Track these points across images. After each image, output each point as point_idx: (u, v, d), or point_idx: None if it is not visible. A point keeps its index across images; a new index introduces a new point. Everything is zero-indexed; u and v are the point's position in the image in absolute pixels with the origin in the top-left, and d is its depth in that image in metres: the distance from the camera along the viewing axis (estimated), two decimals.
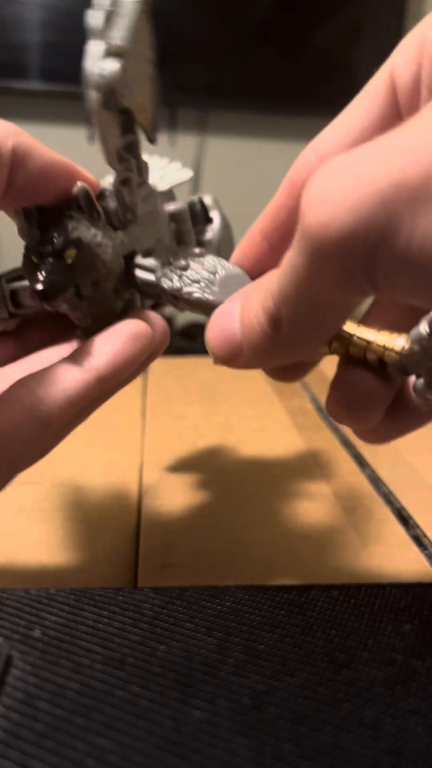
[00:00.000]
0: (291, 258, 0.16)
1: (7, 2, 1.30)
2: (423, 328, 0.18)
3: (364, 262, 0.14)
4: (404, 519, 0.33)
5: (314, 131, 0.22)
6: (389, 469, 0.39)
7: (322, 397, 0.52)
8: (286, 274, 0.16)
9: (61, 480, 0.37)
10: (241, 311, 0.19)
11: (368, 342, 0.19)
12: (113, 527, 0.32)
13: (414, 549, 0.31)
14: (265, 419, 0.48)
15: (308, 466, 0.39)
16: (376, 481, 0.38)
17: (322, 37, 1.54)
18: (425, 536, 0.32)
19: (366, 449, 0.42)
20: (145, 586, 0.27)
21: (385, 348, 0.19)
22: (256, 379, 0.58)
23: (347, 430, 0.45)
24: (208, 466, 0.39)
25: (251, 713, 0.21)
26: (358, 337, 0.20)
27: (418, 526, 0.33)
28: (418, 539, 0.31)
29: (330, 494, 0.36)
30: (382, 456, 0.41)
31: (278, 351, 0.18)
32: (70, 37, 1.41)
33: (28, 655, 0.23)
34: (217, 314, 0.20)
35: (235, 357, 0.19)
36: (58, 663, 0.22)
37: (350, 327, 0.20)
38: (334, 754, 0.19)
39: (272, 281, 0.17)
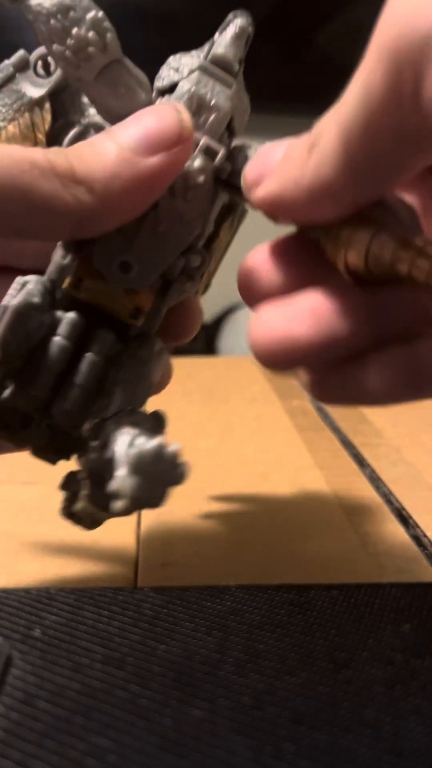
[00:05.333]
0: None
1: None
2: None
3: None
4: (404, 519, 0.33)
5: None
6: (389, 469, 0.39)
7: None
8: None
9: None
10: (289, 143, 0.19)
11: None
12: (113, 527, 0.32)
13: (414, 549, 0.31)
14: (265, 419, 0.48)
15: (308, 466, 0.39)
16: (376, 481, 0.38)
17: (322, 37, 1.54)
18: (425, 536, 0.32)
19: (366, 449, 0.42)
20: (145, 585, 0.27)
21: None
22: (256, 379, 0.58)
23: (347, 430, 0.45)
24: (208, 466, 0.39)
25: (251, 712, 0.21)
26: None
27: (418, 526, 0.33)
28: (418, 539, 0.31)
29: (330, 494, 0.36)
30: (382, 456, 0.41)
31: (300, 179, 0.18)
32: None
33: (28, 655, 0.23)
34: (265, 146, 0.20)
35: (260, 180, 0.19)
36: (58, 663, 0.22)
37: None
38: (334, 754, 0.19)
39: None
